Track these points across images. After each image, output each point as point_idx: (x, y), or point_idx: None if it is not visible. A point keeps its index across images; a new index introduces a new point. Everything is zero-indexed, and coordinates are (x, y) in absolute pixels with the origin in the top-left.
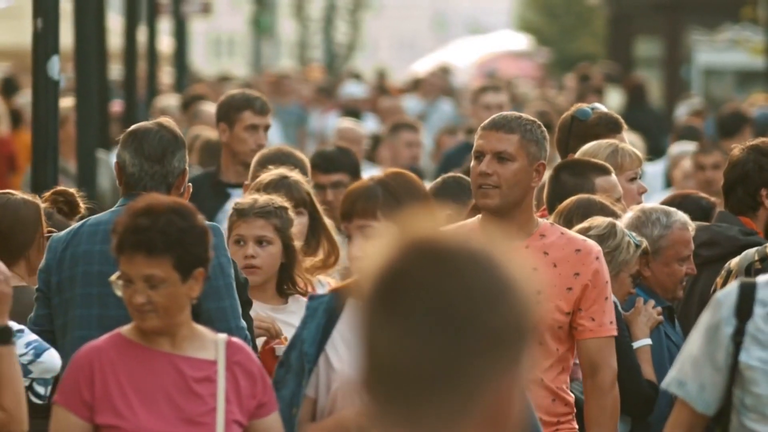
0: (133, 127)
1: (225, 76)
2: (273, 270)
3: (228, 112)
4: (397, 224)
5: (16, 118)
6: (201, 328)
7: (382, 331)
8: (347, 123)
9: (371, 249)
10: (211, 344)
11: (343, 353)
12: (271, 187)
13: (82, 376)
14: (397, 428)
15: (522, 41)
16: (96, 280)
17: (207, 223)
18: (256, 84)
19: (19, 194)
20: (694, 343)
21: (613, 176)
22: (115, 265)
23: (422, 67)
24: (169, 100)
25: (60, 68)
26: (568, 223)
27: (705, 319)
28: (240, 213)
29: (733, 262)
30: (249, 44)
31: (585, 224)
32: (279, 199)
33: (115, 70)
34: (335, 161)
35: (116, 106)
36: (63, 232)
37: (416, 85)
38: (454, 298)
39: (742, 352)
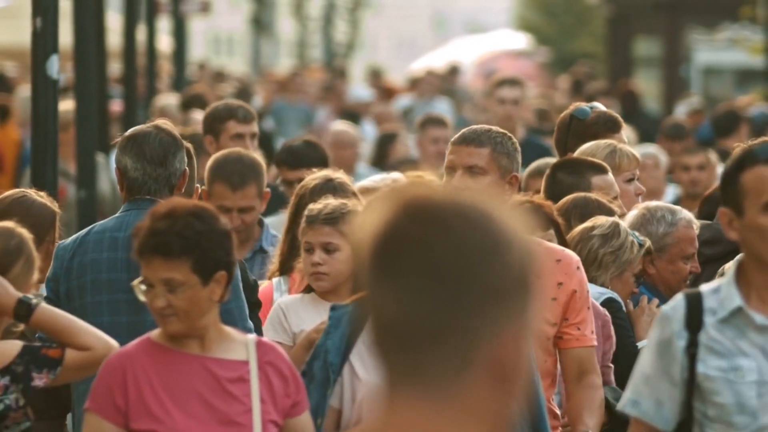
0: (130, 131)
1: (220, 72)
2: (343, 276)
3: (212, 124)
4: (393, 186)
5: (3, 112)
6: (230, 330)
7: (382, 290)
8: (341, 126)
9: (367, 211)
10: (241, 345)
11: (368, 362)
12: (316, 191)
13: (114, 383)
14: (402, 382)
15: (521, 41)
16: (105, 287)
17: None
18: (261, 83)
19: (36, 195)
20: (645, 360)
21: (610, 175)
22: (123, 271)
23: (421, 66)
24: (169, 99)
25: (59, 67)
26: (566, 222)
27: (654, 335)
28: (308, 220)
29: (727, 266)
30: (248, 43)
31: (588, 224)
32: (351, 204)
33: (115, 69)
34: (303, 156)
35: (115, 106)
36: (69, 240)
37: (414, 84)
38: (447, 254)
39: (698, 363)
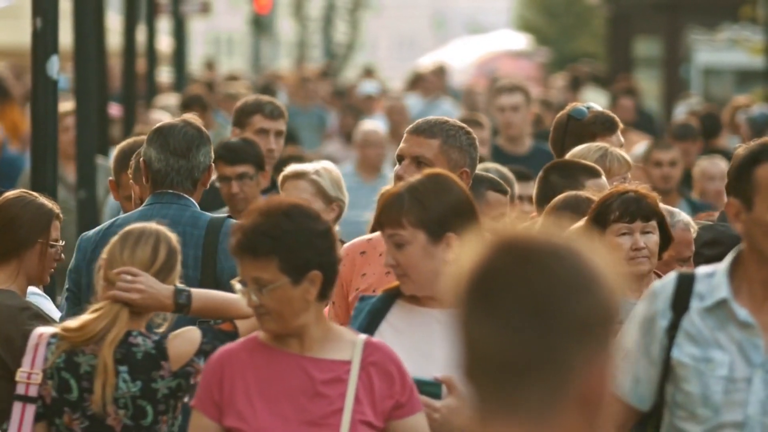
0: (158, 124)
1: (233, 76)
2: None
3: (240, 117)
4: (486, 228)
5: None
6: (340, 329)
7: (479, 326)
8: (370, 125)
9: (462, 251)
10: (347, 345)
11: None
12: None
13: (213, 380)
14: (497, 414)
15: (521, 41)
16: None
17: (235, 221)
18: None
19: (36, 196)
20: (629, 335)
21: (603, 179)
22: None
23: (421, 66)
24: (169, 100)
25: (59, 68)
26: (559, 221)
27: (640, 310)
28: None
29: None
30: (248, 44)
31: (581, 223)
32: None
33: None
34: (240, 152)
35: (114, 108)
36: (92, 232)
37: (416, 81)
38: (543, 291)
39: (674, 347)
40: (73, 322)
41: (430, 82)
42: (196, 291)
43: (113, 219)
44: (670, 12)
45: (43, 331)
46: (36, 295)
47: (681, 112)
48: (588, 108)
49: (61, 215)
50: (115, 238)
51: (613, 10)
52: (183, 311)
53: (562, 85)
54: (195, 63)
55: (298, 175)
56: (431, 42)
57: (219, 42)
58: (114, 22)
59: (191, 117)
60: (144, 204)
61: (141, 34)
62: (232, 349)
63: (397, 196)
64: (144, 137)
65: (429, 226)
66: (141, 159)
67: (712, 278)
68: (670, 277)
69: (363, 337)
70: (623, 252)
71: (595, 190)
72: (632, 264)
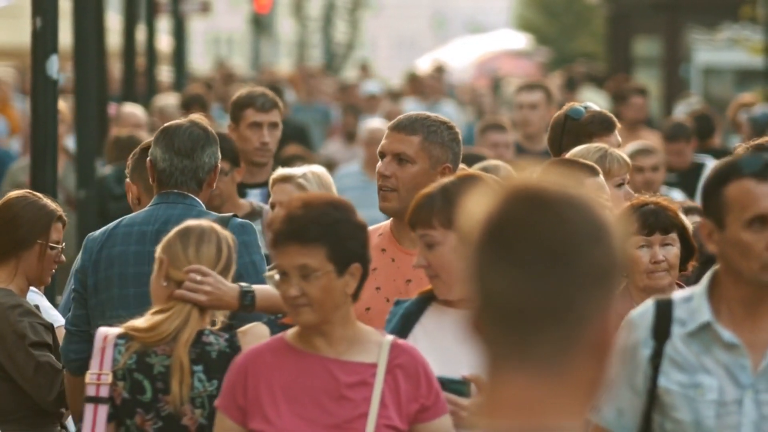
0: (165, 124)
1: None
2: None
3: (234, 111)
4: (503, 177)
5: None
6: (367, 329)
7: (495, 273)
8: (376, 123)
9: (477, 199)
10: (374, 346)
11: None
12: None
13: (238, 381)
14: (509, 362)
15: (521, 40)
16: (132, 281)
17: (240, 220)
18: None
19: (40, 197)
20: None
21: (601, 178)
22: (150, 265)
23: (421, 66)
24: (168, 99)
25: (59, 67)
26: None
27: (620, 341)
28: None
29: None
30: (248, 43)
31: None
32: None
33: (115, 69)
34: None
35: (113, 109)
36: (98, 232)
37: (413, 82)
38: (562, 239)
39: (660, 376)
40: (142, 323)
41: (429, 86)
42: (257, 289)
43: (120, 219)
44: (670, 12)
45: (107, 332)
46: (31, 292)
47: (681, 111)
48: (585, 107)
49: (64, 217)
50: (171, 236)
51: (613, 10)
52: (246, 311)
53: (558, 84)
54: (196, 63)
55: (285, 179)
56: (431, 42)
57: (219, 42)
58: (114, 22)
59: (199, 117)
60: (150, 204)
61: (141, 34)
62: (257, 350)
63: (429, 197)
64: (140, 133)
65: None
66: (148, 158)
67: (690, 302)
68: (648, 305)
69: (390, 338)
70: (642, 266)
71: (594, 190)
72: (651, 278)
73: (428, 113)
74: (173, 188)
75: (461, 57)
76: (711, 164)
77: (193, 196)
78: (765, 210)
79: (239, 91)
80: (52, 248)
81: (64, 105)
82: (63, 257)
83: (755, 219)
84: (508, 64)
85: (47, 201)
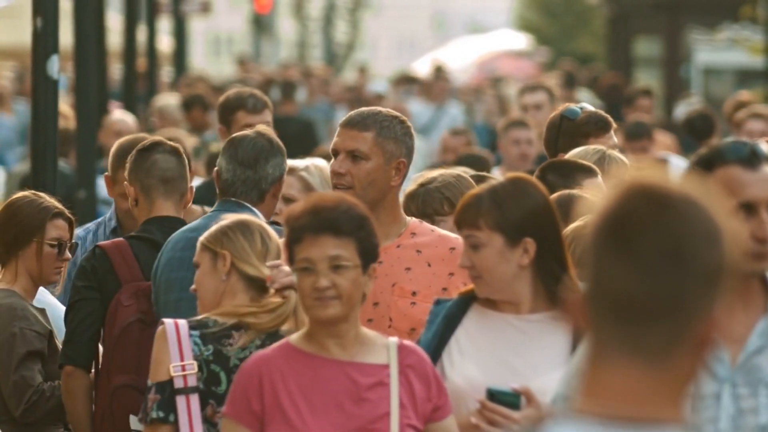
0: (233, 135)
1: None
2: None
3: (224, 114)
4: (623, 173)
5: None
6: (370, 332)
7: (613, 267)
8: None
9: (597, 193)
10: (382, 348)
11: (457, 362)
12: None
13: (251, 387)
14: (618, 355)
15: (521, 41)
16: (176, 286)
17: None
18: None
19: (39, 196)
20: (582, 356)
21: (600, 178)
22: (189, 270)
23: (421, 66)
24: (168, 99)
25: (59, 67)
26: None
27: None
28: None
29: None
30: (248, 43)
31: (580, 222)
32: None
33: (115, 69)
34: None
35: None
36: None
37: (406, 82)
38: (682, 237)
39: None
40: (254, 308)
41: (434, 87)
42: None
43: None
44: (670, 12)
45: (177, 322)
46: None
47: (681, 111)
48: (581, 108)
49: (67, 213)
50: (228, 231)
51: (613, 10)
52: None
53: (554, 83)
54: (196, 62)
55: (288, 171)
56: (431, 42)
57: (219, 42)
58: (114, 22)
59: (265, 128)
60: (211, 210)
61: (141, 34)
62: (266, 356)
63: (476, 198)
64: (143, 135)
65: (506, 229)
66: (215, 168)
67: None
68: None
69: (395, 339)
70: None
71: (592, 190)
72: None
73: (380, 108)
74: (233, 197)
75: (461, 57)
76: (674, 161)
77: (249, 206)
78: (751, 197)
79: (226, 94)
80: (52, 246)
81: (65, 106)
82: (69, 254)
83: (740, 207)
84: (508, 65)
85: (45, 199)
